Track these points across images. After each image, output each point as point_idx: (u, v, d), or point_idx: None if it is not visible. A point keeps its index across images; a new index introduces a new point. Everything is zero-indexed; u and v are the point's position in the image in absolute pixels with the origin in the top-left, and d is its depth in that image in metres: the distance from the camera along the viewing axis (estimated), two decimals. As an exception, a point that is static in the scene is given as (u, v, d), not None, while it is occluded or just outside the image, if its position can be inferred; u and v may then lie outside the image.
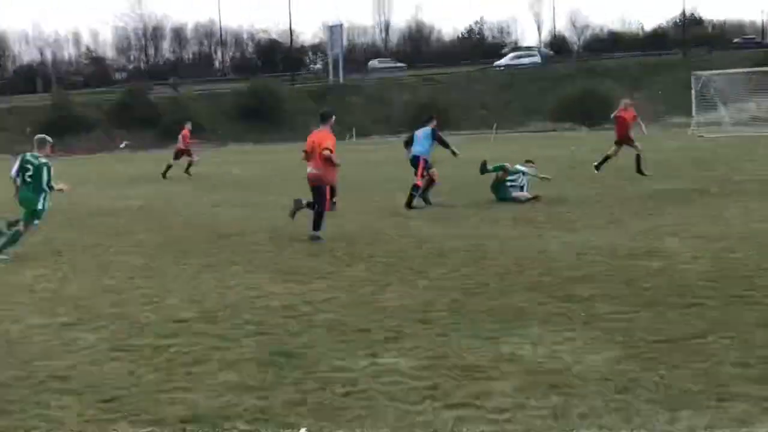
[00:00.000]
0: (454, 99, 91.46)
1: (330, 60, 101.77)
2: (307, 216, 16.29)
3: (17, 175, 15.31)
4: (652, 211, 17.63)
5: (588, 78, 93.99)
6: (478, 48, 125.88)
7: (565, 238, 14.73)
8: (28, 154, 15.37)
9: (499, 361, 7.82)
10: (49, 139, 15.62)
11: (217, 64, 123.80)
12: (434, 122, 22.18)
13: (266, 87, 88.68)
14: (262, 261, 13.94)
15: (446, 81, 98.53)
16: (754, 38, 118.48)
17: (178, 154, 36.63)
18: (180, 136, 37.51)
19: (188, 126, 38.35)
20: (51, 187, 15.19)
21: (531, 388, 7.06)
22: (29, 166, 15.15)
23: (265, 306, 10.55)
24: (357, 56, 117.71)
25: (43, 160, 15.15)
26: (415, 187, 20.97)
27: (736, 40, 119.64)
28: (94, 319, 10.23)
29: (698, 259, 12.20)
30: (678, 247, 13.28)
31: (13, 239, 15.28)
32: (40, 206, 15.25)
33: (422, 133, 21.92)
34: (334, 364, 7.96)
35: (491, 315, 9.58)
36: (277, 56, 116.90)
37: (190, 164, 36.17)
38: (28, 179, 15.14)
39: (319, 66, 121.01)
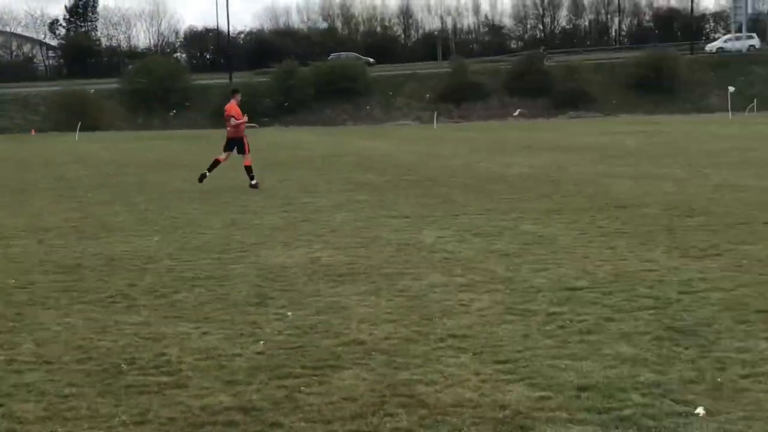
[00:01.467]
0: None
1: (733, 29, 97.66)
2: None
3: None
4: None
5: None
6: None
7: None
8: None
9: None
10: None
11: (613, 33, 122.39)
12: None
13: (663, 57, 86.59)
14: (656, 234, 13.71)
15: None
16: None
17: None
18: None
19: None
20: None
21: None
22: None
23: (660, 280, 10.38)
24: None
25: None
26: None
27: None
28: (490, 282, 10.53)
29: None
30: None
31: None
32: None
33: None
34: (732, 344, 7.70)
35: None
36: (675, 25, 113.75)
37: None
38: None
39: (720, 35, 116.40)
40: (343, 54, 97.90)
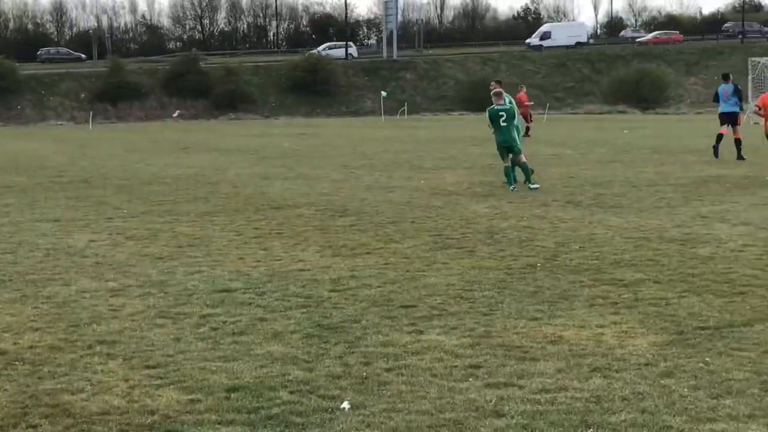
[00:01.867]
0: (508, 78, 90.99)
1: (384, 35, 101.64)
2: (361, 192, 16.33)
3: None
4: (703, 196, 17.50)
5: (643, 61, 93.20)
6: (534, 27, 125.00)
7: (614, 221, 14.67)
8: None
9: (543, 342, 7.83)
10: None
11: (271, 36, 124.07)
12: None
13: (319, 61, 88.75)
14: (311, 234, 14.02)
15: (500, 60, 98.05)
16: None
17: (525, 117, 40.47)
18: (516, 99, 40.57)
19: (523, 89, 43.27)
20: None
21: (573, 369, 7.07)
22: None
23: (312, 279, 10.62)
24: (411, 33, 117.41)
25: None
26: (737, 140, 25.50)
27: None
28: (142, 286, 10.37)
29: (747, 247, 12.10)
30: (727, 234, 13.18)
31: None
32: None
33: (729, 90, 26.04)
34: (378, 339, 8.01)
35: (536, 296, 9.58)
36: (331, 30, 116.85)
37: (527, 129, 39.26)
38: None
39: (373, 41, 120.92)
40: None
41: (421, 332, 8.23)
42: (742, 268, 10.73)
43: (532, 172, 19.79)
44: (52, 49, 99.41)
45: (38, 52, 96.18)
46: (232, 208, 17.35)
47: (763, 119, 22.36)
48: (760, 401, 6.30)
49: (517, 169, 19.71)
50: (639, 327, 8.27)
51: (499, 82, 22.19)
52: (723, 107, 26.46)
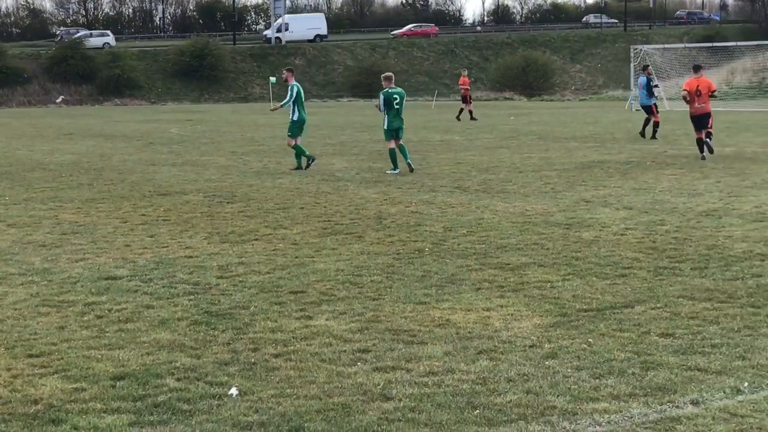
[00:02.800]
0: (397, 65, 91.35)
1: (273, 21, 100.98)
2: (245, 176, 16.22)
3: None
4: (586, 181, 17.84)
5: (529, 48, 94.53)
6: (423, 15, 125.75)
7: (500, 206, 14.86)
8: None
9: (430, 326, 7.91)
10: None
11: (157, 20, 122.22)
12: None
13: (206, 46, 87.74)
14: (199, 221, 13.89)
15: (389, 47, 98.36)
16: (696, 13, 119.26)
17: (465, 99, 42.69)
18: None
19: (465, 72, 44.97)
20: None
21: (460, 352, 7.16)
22: None
23: (200, 266, 10.54)
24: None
25: None
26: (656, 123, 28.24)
27: (678, 12, 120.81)
28: (25, 274, 10.15)
29: (629, 231, 12.39)
30: (610, 218, 13.47)
31: None
32: None
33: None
34: (266, 325, 7.99)
35: (424, 280, 9.66)
36: (218, 15, 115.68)
37: (461, 111, 41.85)
38: None
39: (261, 27, 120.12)
40: None
41: (310, 318, 8.24)
42: (624, 251, 10.99)
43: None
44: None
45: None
46: (118, 194, 17.09)
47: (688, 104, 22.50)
48: (640, 380, 6.47)
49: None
50: (524, 309, 8.41)
51: (290, 71, 22.59)
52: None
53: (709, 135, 22.11)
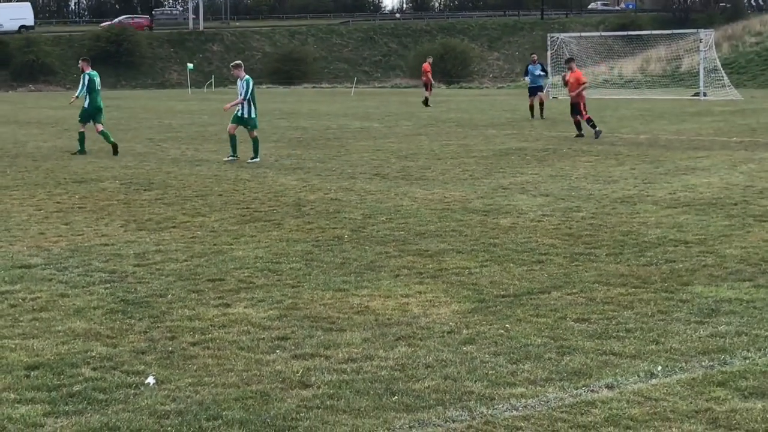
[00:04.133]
0: (316, 51, 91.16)
1: (190, 6, 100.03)
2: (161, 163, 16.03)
3: None
4: (504, 168, 17.99)
5: (447, 35, 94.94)
6: (342, 1, 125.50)
7: (419, 193, 14.92)
8: None
9: (349, 313, 7.91)
10: None
11: (72, 5, 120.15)
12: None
13: (123, 31, 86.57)
14: (115, 208, 13.72)
15: (308, 33, 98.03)
16: (607, 4, 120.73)
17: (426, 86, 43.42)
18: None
19: (429, 59, 45.47)
20: None
21: (379, 339, 7.18)
22: None
23: (116, 254, 10.41)
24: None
25: None
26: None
27: (591, 5, 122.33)
28: (-64, 264, 9.94)
29: (546, 217, 12.53)
30: (527, 204, 13.60)
31: None
32: None
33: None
34: (184, 313, 7.92)
35: (343, 267, 9.66)
36: (134, 0, 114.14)
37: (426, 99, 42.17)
38: None
39: (177, 11, 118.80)
40: None
41: (228, 305, 8.19)
42: (541, 238, 11.11)
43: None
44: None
45: None
46: (32, 182, 16.80)
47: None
48: (556, 365, 6.55)
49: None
50: (443, 296, 8.46)
51: (86, 60, 22.95)
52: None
53: (584, 121, 24.74)
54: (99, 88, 21.68)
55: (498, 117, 34.47)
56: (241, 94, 19.83)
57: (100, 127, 21.55)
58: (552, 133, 26.38)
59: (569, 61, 26.18)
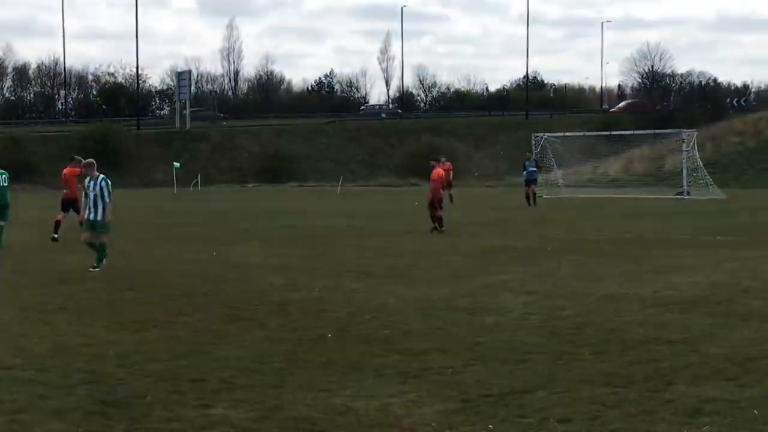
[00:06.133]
0: (303, 150, 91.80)
1: (177, 106, 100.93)
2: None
3: None
4: (489, 266, 18.01)
5: (434, 134, 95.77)
6: (328, 101, 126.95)
7: (404, 291, 14.90)
8: None
9: (332, 414, 7.84)
10: None
11: (60, 105, 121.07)
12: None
13: (110, 130, 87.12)
14: (97, 308, 13.65)
15: (295, 132, 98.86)
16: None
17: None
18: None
19: (443, 159, 44.00)
20: None
21: (362, 440, 7.10)
22: None
23: (97, 354, 10.32)
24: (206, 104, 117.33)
25: None
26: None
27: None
28: None
29: (530, 315, 12.51)
30: (512, 303, 13.59)
31: None
32: None
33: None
34: (163, 414, 7.83)
35: (327, 367, 9.60)
36: (122, 100, 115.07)
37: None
38: None
39: (165, 112, 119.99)
40: None
41: (209, 406, 8.10)
42: (525, 336, 11.08)
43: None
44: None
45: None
46: (17, 282, 16.71)
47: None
48: (540, 466, 6.48)
49: None
50: (426, 396, 8.40)
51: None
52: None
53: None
54: (6, 185, 23.15)
55: (484, 215, 34.63)
56: (98, 197, 18.17)
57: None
58: (537, 230, 26.49)
59: (433, 160, 28.85)
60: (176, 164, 69.09)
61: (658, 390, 8.51)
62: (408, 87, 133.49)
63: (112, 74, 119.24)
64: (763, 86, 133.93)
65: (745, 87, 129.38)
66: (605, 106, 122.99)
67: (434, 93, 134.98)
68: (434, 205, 26.56)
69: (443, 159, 45.50)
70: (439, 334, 11.32)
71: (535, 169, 42.52)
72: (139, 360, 9.99)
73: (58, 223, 25.50)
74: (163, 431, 7.35)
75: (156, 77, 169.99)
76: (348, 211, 39.21)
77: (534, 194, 40.74)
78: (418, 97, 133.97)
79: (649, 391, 8.47)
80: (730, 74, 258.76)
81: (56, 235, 25.03)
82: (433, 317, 12.49)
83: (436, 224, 26.10)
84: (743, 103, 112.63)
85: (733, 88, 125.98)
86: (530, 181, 41.39)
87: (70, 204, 25.27)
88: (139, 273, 17.81)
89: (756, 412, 7.73)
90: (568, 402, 8.14)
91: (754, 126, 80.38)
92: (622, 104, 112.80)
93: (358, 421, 7.62)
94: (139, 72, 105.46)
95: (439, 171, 27.27)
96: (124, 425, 7.53)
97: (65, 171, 26.57)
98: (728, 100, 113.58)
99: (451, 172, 42.33)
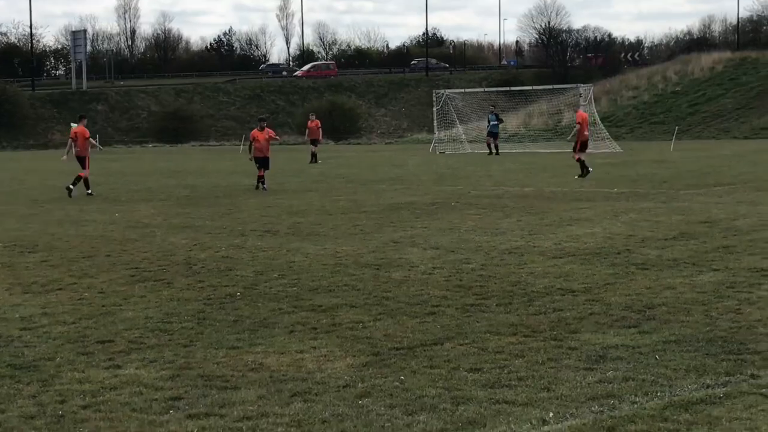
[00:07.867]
0: (203, 110, 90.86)
1: (73, 66, 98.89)
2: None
3: None
4: (395, 223, 18.13)
5: (335, 93, 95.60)
6: (227, 59, 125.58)
7: (311, 248, 14.93)
8: None
9: (243, 371, 7.86)
10: None
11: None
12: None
13: (4, 92, 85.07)
14: (-2, 272, 13.42)
15: (194, 91, 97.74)
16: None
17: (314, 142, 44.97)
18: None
19: (312, 116, 47.13)
20: None
21: (274, 396, 7.15)
22: None
23: (1, 318, 10.16)
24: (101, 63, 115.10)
25: None
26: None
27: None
28: None
29: (437, 270, 12.66)
30: (418, 258, 13.73)
31: None
32: None
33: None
34: (73, 376, 7.77)
35: (236, 325, 9.61)
36: (15, 60, 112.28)
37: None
38: None
39: (61, 72, 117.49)
40: None
41: (119, 367, 8.06)
42: (432, 290, 11.22)
43: None
44: None
45: None
46: None
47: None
48: (451, 415, 6.60)
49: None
50: (337, 350, 8.48)
51: None
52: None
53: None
54: None
55: (387, 172, 34.77)
56: None
57: None
58: (440, 187, 26.72)
59: (261, 120, 30.35)
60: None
61: (562, 338, 8.72)
62: (308, 45, 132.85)
63: (5, 34, 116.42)
64: (656, 41, 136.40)
65: (639, 42, 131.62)
66: (503, 62, 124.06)
67: (335, 50, 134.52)
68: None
69: (312, 116, 47.44)
70: (347, 290, 11.40)
71: (496, 122, 47.56)
72: (45, 323, 9.88)
73: (86, 180, 27.01)
74: (75, 392, 7.29)
75: (50, 37, 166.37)
76: (250, 170, 38.98)
77: (496, 146, 46.72)
78: (319, 55, 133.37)
79: (554, 340, 8.67)
80: (625, 29, 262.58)
81: (90, 191, 26.64)
82: (340, 273, 12.56)
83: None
84: (637, 58, 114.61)
85: (627, 43, 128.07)
86: (491, 134, 47.33)
87: (80, 161, 27.19)
88: (40, 235, 17.52)
89: (657, 357, 7.98)
90: (476, 352, 8.30)
91: (647, 80, 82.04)
92: (305, 67, 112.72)
93: (271, 376, 7.66)
94: (33, 31, 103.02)
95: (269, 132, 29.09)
96: (33, 388, 7.45)
97: (77, 129, 28.08)
98: (622, 54, 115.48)
99: (320, 130, 46.40)
